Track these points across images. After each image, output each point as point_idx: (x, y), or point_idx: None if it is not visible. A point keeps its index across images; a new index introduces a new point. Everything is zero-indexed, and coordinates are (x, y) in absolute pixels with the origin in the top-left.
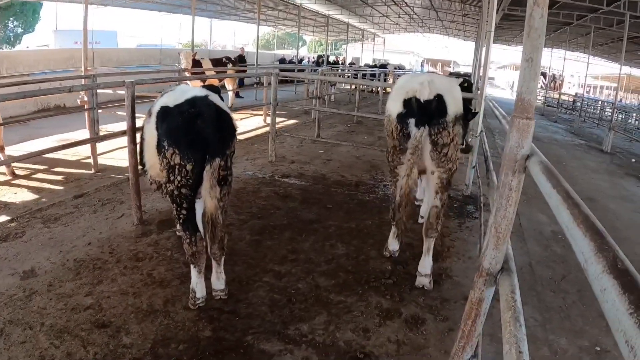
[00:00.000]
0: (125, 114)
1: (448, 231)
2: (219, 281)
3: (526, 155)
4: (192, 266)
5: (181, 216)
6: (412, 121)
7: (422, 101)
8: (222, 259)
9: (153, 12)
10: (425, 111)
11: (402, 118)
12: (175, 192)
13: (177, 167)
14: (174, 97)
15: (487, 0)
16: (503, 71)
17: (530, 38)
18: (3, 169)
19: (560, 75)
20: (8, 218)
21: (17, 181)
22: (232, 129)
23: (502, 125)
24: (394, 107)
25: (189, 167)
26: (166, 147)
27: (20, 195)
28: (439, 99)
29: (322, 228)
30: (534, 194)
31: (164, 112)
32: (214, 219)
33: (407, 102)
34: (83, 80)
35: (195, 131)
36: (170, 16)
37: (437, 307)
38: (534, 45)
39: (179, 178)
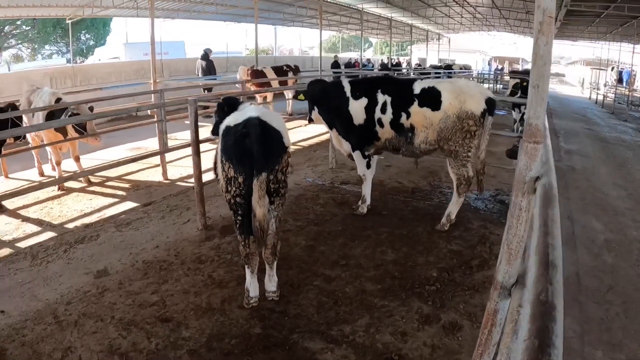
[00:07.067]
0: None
1: (497, 239)
2: (270, 283)
3: (535, 177)
4: (246, 267)
5: (237, 221)
6: (487, 114)
7: (493, 99)
8: (275, 263)
9: (219, 22)
10: (494, 107)
11: (483, 114)
12: (232, 201)
13: (232, 179)
14: (236, 117)
15: None
16: (574, 67)
17: (536, 65)
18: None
19: (633, 70)
20: (84, 222)
21: (92, 188)
22: (280, 146)
23: (568, 125)
24: (477, 107)
25: (240, 179)
26: (224, 162)
27: (95, 202)
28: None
29: (374, 234)
30: (591, 199)
31: (226, 130)
32: (262, 226)
33: (488, 101)
34: (152, 96)
35: (243, 149)
36: (235, 25)
37: (476, 314)
38: (540, 72)
39: (233, 188)
